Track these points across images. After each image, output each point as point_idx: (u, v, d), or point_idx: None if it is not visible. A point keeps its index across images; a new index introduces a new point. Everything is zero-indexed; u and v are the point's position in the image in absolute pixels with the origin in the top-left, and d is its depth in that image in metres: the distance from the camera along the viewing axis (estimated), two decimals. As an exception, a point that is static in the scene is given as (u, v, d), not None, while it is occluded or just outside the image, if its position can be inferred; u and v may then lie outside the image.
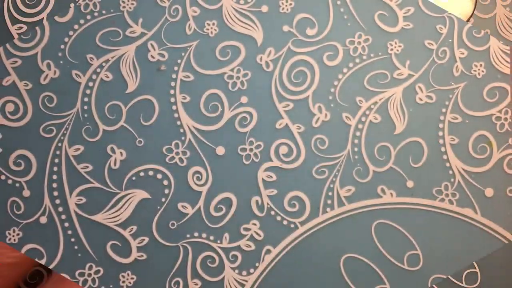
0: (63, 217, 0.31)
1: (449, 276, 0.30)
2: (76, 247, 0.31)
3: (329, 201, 0.31)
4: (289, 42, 0.32)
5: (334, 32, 0.31)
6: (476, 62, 0.31)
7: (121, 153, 0.31)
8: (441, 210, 0.31)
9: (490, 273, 0.30)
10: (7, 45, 0.32)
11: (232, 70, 0.32)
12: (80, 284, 0.30)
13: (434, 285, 0.30)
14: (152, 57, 0.32)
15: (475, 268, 0.30)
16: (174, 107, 0.31)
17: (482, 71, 0.31)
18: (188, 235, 0.31)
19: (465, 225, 0.30)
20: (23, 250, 0.30)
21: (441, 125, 0.31)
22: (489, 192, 0.31)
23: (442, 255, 0.30)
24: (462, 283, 0.30)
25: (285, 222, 0.31)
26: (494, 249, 0.30)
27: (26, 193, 0.31)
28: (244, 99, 0.31)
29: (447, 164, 0.31)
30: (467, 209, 0.31)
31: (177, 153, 0.31)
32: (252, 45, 0.32)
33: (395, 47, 0.31)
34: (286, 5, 0.32)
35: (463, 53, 0.31)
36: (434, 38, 0.31)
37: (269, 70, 0.31)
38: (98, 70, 0.32)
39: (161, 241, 0.31)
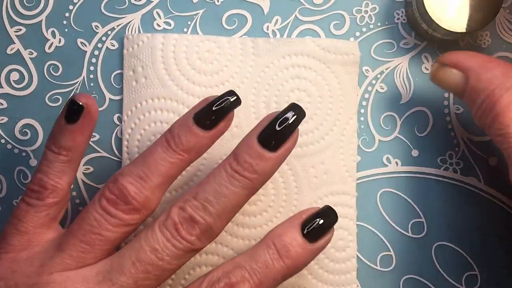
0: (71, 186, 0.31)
1: (449, 278, 0.31)
2: (84, 216, 0.31)
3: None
4: (296, 11, 0.31)
5: (341, 1, 0.31)
6: (482, 32, 0.31)
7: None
8: (445, 179, 0.31)
9: (490, 275, 0.31)
10: (11, 13, 0.31)
11: (238, 39, 0.31)
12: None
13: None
14: (158, 25, 0.31)
15: (475, 271, 0.31)
16: (180, 76, 0.31)
17: (488, 41, 0.31)
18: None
19: (469, 193, 0.31)
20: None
21: (446, 95, 0.31)
22: (492, 160, 0.31)
23: (446, 223, 0.31)
24: (462, 285, 0.31)
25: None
26: (497, 217, 0.31)
27: (33, 162, 0.31)
28: (251, 68, 0.31)
29: (452, 134, 0.31)
30: (471, 178, 0.31)
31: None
32: (259, 14, 0.31)
33: (401, 16, 0.31)
34: (293, -27, 0.31)
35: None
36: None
37: (276, 39, 0.31)
38: (104, 38, 0.31)
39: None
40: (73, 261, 0.24)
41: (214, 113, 0.25)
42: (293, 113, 0.24)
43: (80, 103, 0.25)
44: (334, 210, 0.26)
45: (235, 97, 0.25)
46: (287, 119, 0.24)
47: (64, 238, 0.24)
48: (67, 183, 0.26)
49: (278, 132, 0.24)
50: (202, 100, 0.25)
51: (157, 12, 0.31)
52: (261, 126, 0.24)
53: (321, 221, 0.25)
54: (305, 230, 0.25)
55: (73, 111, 0.25)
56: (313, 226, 0.25)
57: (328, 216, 0.26)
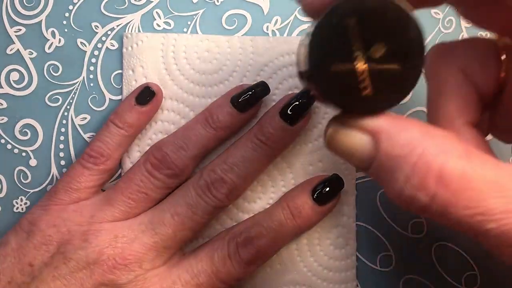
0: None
1: (449, 278, 0.31)
2: (84, 216, 0.31)
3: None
4: (296, 11, 0.31)
5: (340, 1, 0.31)
6: (482, 31, 0.31)
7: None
8: (445, 179, 0.31)
9: (490, 275, 0.31)
10: (11, 13, 0.31)
11: (238, 39, 0.31)
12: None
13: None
14: (158, 25, 0.31)
15: (475, 271, 0.31)
16: (180, 76, 0.31)
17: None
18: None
19: (468, 193, 0.31)
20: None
21: (446, 95, 0.31)
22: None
23: (446, 223, 0.31)
24: (462, 285, 0.31)
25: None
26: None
27: (33, 162, 0.31)
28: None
29: (452, 133, 0.31)
30: (470, 178, 0.31)
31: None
32: (258, 14, 0.31)
33: (401, 16, 0.31)
34: (292, -27, 0.31)
35: (469, 22, 0.31)
36: (440, 8, 0.31)
37: (276, 39, 0.31)
38: (104, 38, 0.31)
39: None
40: (120, 214, 0.28)
41: (247, 98, 0.29)
42: (307, 95, 0.28)
43: (153, 90, 0.29)
44: (341, 178, 0.29)
45: (264, 87, 0.29)
46: (302, 99, 0.28)
47: (113, 194, 0.28)
48: (119, 156, 0.29)
49: (295, 110, 0.28)
50: (237, 86, 0.30)
51: (157, 12, 0.31)
52: (281, 104, 0.28)
53: (328, 188, 0.29)
54: (315, 195, 0.29)
55: (146, 95, 0.29)
56: (321, 191, 0.29)
57: (334, 183, 0.29)
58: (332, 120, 0.19)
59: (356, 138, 0.19)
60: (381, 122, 0.18)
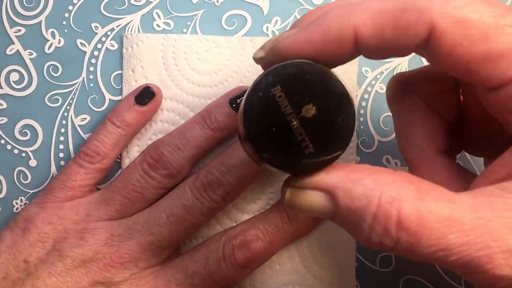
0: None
1: (448, 279, 0.31)
2: (83, 216, 0.31)
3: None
4: (295, 11, 0.31)
5: (340, 1, 0.31)
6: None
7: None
8: (445, 179, 0.31)
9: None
10: (11, 13, 0.31)
11: (238, 39, 0.31)
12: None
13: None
14: (158, 26, 0.31)
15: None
16: (180, 77, 0.31)
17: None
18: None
19: (468, 193, 0.31)
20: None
21: (446, 95, 0.31)
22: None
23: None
24: (462, 285, 0.31)
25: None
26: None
27: (33, 162, 0.31)
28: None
29: (451, 134, 0.31)
30: (470, 178, 0.31)
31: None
32: (258, 14, 0.31)
33: (401, 16, 0.31)
34: (292, -26, 0.31)
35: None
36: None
37: (275, 39, 0.31)
38: (103, 39, 0.31)
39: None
40: (116, 213, 0.28)
41: None
42: None
43: (153, 90, 0.29)
44: None
45: None
46: None
47: (109, 193, 0.28)
48: (116, 155, 0.29)
49: None
50: (236, 88, 0.30)
51: (156, 12, 0.31)
52: None
53: None
54: None
55: (146, 95, 0.29)
56: None
57: None
58: (286, 184, 0.20)
59: (314, 198, 0.19)
60: (334, 178, 0.18)
